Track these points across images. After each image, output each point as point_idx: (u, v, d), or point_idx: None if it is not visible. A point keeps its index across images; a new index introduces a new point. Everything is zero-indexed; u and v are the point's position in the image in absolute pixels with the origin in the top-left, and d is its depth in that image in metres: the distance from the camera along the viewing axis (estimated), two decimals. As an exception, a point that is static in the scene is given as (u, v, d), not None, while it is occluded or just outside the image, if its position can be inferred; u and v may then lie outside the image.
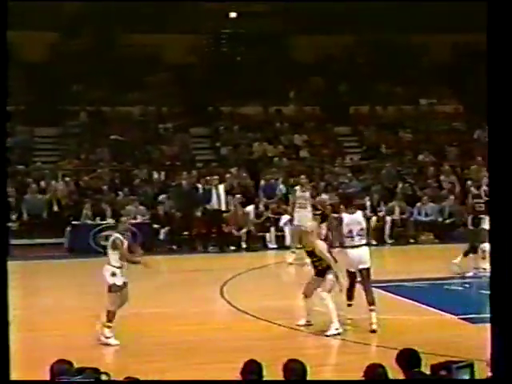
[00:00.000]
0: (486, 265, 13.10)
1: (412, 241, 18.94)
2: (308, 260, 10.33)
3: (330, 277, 9.65)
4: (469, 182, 18.28)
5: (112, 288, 9.55)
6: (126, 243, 9.66)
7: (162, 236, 18.42)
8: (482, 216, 13.61)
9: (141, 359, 8.69)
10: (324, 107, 25.14)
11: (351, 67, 26.27)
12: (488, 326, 9.49)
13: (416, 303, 11.21)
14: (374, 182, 20.87)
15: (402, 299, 11.24)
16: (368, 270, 9.93)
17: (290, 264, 15.70)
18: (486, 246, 13.22)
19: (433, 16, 24.13)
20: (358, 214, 10.16)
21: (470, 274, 13.48)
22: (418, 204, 19.81)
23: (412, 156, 23.08)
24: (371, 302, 9.69)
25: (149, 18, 24.62)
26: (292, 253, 15.82)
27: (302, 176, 17.26)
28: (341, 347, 9.43)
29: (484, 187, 14.25)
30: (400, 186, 20.73)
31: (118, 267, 9.57)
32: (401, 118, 25.02)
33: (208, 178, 18.67)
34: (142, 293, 11.20)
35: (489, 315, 9.92)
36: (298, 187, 16.55)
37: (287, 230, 17.44)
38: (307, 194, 16.22)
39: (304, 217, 15.30)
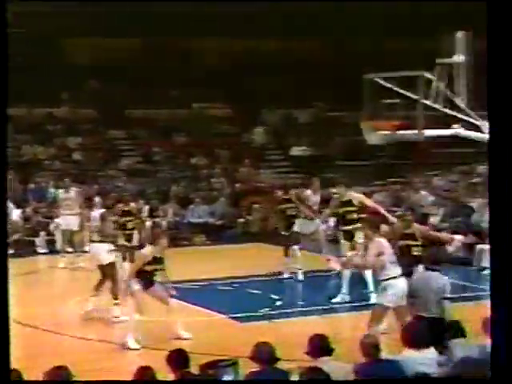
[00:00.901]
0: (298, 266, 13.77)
1: (186, 243, 19.30)
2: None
3: None
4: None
5: None
6: None
7: None
8: (293, 220, 14.05)
9: None
10: (99, 110, 24.85)
11: (127, 70, 26.22)
12: (254, 324, 10.03)
13: (187, 304, 11.44)
14: (149, 186, 21.01)
15: (173, 301, 11.45)
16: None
17: (64, 268, 15.43)
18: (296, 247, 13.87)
19: (205, 21, 24.79)
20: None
21: (286, 274, 13.90)
22: (191, 206, 20.24)
23: (185, 159, 23.50)
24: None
25: None
26: (62, 257, 15.64)
27: (67, 179, 17.04)
28: (109, 352, 9.42)
29: (293, 191, 14.73)
30: (174, 188, 21.04)
31: None
32: (174, 122, 25.38)
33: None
34: None
35: (257, 313, 10.43)
36: (61, 190, 16.35)
37: (57, 234, 17.07)
38: (72, 194, 15.97)
39: (70, 219, 15.20)
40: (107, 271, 11.00)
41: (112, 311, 10.82)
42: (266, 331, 9.87)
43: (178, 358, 5.81)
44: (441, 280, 8.04)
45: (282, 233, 14.18)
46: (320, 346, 5.90)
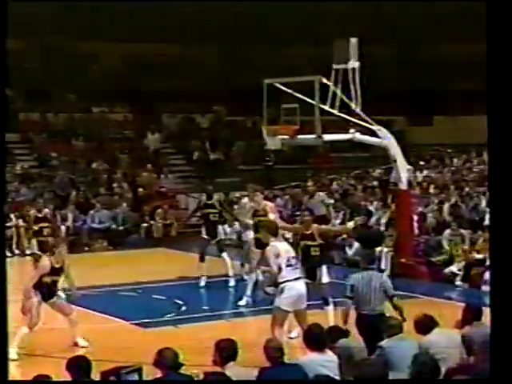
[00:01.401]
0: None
1: (86, 248, 18.99)
2: None
3: None
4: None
5: None
6: None
7: None
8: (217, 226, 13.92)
9: None
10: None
11: (20, 73, 25.53)
12: (158, 329, 9.97)
13: (88, 311, 11.28)
14: (46, 190, 20.52)
15: (73, 307, 11.27)
16: None
17: None
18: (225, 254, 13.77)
19: (105, 25, 24.52)
20: None
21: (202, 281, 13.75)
22: (92, 211, 19.93)
23: (85, 164, 23.12)
24: None
25: None
26: None
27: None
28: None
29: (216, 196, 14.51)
30: (73, 193, 20.66)
31: None
32: (73, 126, 24.94)
33: None
34: None
35: (159, 319, 10.38)
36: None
37: None
38: None
39: None
40: None
41: None
42: (170, 337, 9.83)
43: (77, 365, 5.74)
44: (382, 279, 8.23)
45: (204, 237, 13.92)
46: (226, 351, 5.92)
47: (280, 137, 13.65)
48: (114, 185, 21.89)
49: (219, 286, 13.64)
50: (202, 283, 13.63)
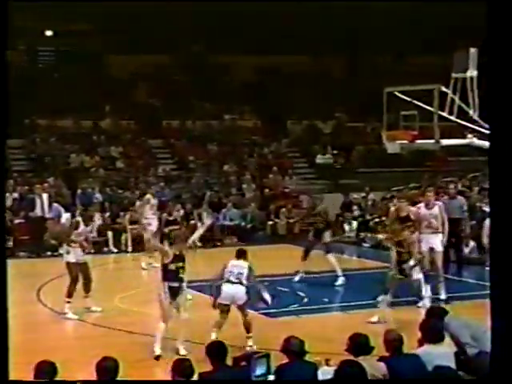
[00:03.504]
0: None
1: (218, 244, 19.35)
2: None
3: None
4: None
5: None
6: None
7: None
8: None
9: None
10: (139, 121, 25.08)
11: (164, 84, 26.45)
12: (283, 319, 10.01)
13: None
14: (185, 191, 21.10)
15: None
16: None
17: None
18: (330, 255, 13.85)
19: (237, 38, 24.93)
20: None
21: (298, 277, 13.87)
22: (223, 210, 20.29)
23: (218, 166, 23.58)
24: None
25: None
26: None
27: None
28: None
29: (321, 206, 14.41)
30: (207, 193, 21.12)
31: None
32: (208, 132, 25.49)
33: (37, 186, 18.16)
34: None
35: (284, 309, 10.45)
36: (149, 196, 16.42)
37: None
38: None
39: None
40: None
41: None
42: (295, 326, 9.86)
43: (217, 350, 5.80)
44: None
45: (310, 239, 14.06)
46: (360, 344, 5.83)
47: (399, 142, 13.37)
48: (244, 186, 22.21)
49: (331, 281, 13.62)
50: (297, 278, 13.66)
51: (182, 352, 8.92)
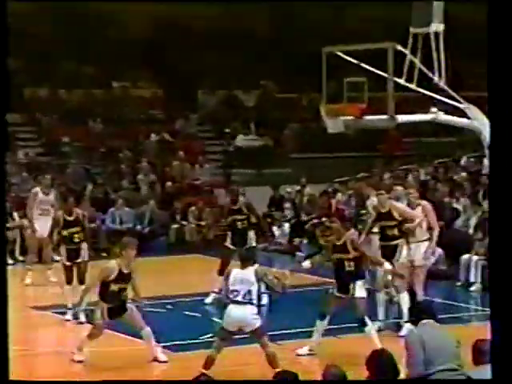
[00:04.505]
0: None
1: (104, 254, 19.18)
2: None
3: None
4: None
5: None
6: None
7: None
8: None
9: None
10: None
11: (26, 39, 25.98)
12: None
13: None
14: (56, 183, 20.82)
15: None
16: None
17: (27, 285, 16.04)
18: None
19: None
20: None
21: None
22: (111, 209, 20.17)
23: (103, 151, 23.41)
24: None
25: None
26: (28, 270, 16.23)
27: (48, 176, 17.16)
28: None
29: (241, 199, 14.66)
30: (88, 187, 20.93)
31: None
32: (89, 105, 25.27)
33: None
34: None
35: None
36: (38, 189, 16.44)
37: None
38: (51, 197, 16.26)
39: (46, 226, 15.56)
40: None
41: None
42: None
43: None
44: None
45: (230, 247, 14.16)
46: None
47: (343, 118, 13.60)
48: (139, 177, 22.10)
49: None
50: (209, 300, 14.00)
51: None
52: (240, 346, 10.24)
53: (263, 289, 13.86)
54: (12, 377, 8.86)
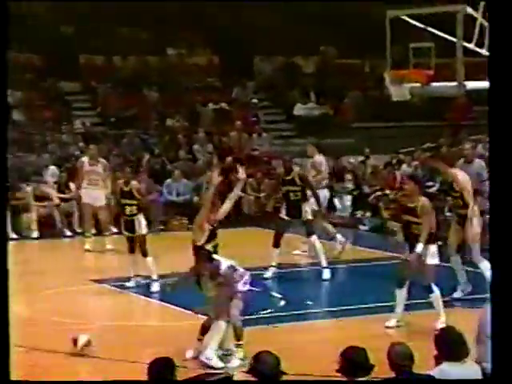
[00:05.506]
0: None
1: (162, 227, 19.34)
2: None
3: None
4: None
5: None
6: None
7: None
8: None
9: None
10: (46, 56, 24.78)
11: (80, 5, 26.14)
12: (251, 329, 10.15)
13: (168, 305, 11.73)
14: (113, 154, 20.99)
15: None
16: None
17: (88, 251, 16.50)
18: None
19: None
20: None
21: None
22: (168, 181, 20.26)
23: (159, 120, 23.52)
24: None
25: None
26: (87, 237, 16.76)
27: (92, 146, 17.62)
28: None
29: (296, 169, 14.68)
30: (145, 158, 21.06)
31: None
32: (144, 73, 25.38)
33: None
34: None
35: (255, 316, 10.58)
36: (85, 159, 16.82)
37: None
38: (99, 167, 16.64)
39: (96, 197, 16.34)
40: None
41: None
42: (267, 338, 9.99)
43: (161, 369, 5.92)
44: None
45: (284, 218, 14.22)
46: (355, 361, 5.94)
47: (408, 85, 13.47)
48: (196, 147, 22.18)
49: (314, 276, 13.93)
50: (269, 274, 14.01)
51: None
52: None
53: (324, 263, 13.99)
54: (80, 345, 9.15)
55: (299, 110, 25.09)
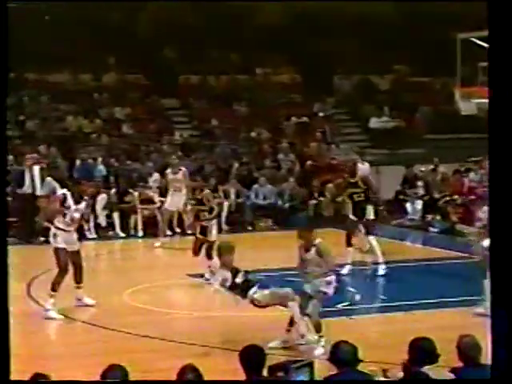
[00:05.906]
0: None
1: (249, 228, 19.43)
2: None
3: None
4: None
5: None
6: None
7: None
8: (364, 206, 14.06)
9: None
10: (149, 76, 25.16)
11: (180, 31, 26.41)
12: (330, 320, 10.07)
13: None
14: (207, 162, 21.19)
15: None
16: None
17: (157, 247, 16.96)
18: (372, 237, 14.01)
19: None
20: None
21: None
22: (255, 186, 20.37)
23: (247, 132, 23.65)
24: None
25: None
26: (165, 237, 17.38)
27: (174, 156, 18.42)
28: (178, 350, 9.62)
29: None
30: (235, 166, 21.20)
31: None
32: (235, 90, 25.53)
33: (27, 156, 18.29)
34: None
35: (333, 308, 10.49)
36: (169, 169, 17.25)
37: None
38: (179, 175, 16.85)
39: (179, 202, 16.74)
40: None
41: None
42: (345, 329, 9.96)
43: (253, 357, 5.89)
44: None
45: (354, 219, 14.15)
46: (424, 350, 5.84)
47: (476, 100, 13.29)
48: (280, 156, 22.22)
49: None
50: (345, 271, 13.85)
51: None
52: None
53: (381, 259, 13.85)
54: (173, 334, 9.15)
55: (374, 123, 24.92)
